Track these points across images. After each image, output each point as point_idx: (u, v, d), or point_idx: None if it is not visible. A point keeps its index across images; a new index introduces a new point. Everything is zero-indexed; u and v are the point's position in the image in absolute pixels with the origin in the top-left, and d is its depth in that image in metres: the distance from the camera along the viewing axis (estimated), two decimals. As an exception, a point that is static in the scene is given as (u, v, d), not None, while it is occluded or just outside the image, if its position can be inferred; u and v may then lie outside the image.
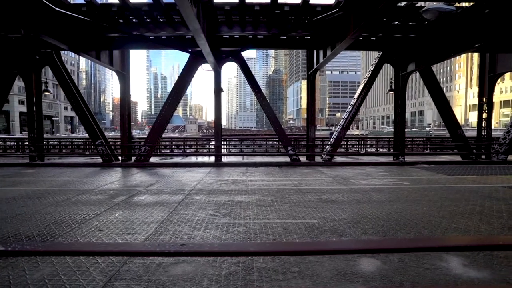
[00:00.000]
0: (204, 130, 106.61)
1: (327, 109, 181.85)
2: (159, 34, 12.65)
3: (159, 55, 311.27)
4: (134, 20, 12.00)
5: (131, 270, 3.71)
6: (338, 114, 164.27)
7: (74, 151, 20.47)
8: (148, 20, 12.01)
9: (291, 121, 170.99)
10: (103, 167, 14.40)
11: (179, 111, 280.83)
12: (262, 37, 13.28)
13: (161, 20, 11.98)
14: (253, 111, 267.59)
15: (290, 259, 3.94)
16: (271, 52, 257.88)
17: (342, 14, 9.58)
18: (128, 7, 11.00)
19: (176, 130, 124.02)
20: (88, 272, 3.66)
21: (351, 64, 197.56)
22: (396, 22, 12.27)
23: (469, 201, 7.16)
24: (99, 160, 15.67)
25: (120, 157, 15.56)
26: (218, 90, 14.97)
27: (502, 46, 13.69)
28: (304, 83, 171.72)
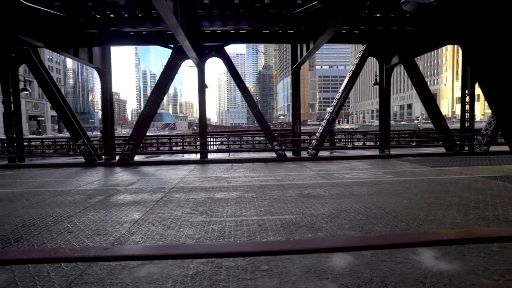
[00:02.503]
0: (195, 127, 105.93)
1: (317, 104, 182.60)
2: (139, 30, 12.36)
3: (147, 52, 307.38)
4: (111, 15, 11.68)
5: (94, 274, 3.56)
6: (328, 109, 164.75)
7: (57, 151, 20.03)
8: (126, 16, 11.69)
9: (281, 117, 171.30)
10: (86, 167, 14.10)
11: (169, 108, 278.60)
12: (244, 31, 13.09)
13: (139, 15, 11.68)
14: (243, 108, 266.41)
15: (261, 257, 3.84)
16: (261, 47, 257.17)
17: (322, 6, 9.46)
18: (104, 1, 10.68)
19: (166, 128, 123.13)
20: (48, 277, 3.50)
21: (340, 59, 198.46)
22: (378, 15, 12.23)
23: (449, 193, 7.18)
24: (82, 160, 15.34)
25: (103, 156, 15.25)
26: (202, 87, 14.75)
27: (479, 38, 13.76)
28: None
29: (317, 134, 15.76)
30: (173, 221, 5.51)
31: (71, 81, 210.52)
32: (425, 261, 3.64)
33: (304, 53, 12.96)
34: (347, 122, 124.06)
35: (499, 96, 1.24)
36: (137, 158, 15.84)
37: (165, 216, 5.87)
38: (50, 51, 76.72)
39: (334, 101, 15.59)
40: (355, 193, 7.45)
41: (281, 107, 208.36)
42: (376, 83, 16.10)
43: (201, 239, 4.61)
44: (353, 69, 15.29)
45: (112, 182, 10.04)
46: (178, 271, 3.60)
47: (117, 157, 15.00)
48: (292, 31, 13.47)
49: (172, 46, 13.50)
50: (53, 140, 22.55)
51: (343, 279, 3.27)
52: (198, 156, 15.56)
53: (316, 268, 3.52)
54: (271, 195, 7.44)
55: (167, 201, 7.07)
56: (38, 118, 69.77)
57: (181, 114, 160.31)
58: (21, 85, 15.34)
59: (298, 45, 13.99)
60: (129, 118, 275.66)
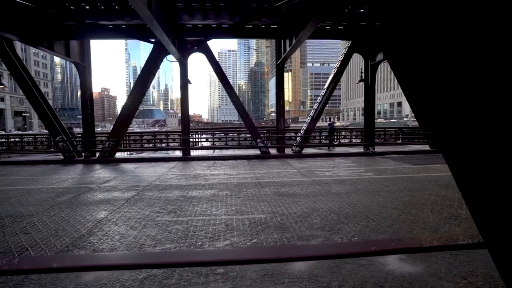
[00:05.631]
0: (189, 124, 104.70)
1: (308, 101, 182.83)
2: (117, 23, 11.96)
3: (138, 47, 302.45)
4: (87, 7, 11.26)
5: (37, 279, 3.33)
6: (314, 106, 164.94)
7: (37, 148, 19.47)
8: (102, 8, 11.29)
9: (272, 114, 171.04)
10: (64, 164, 13.70)
11: (160, 105, 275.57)
12: (227, 26, 12.82)
13: (116, 8, 11.29)
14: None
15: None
16: (253, 44, 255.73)
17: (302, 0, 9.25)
18: (78, -8, 10.28)
19: (157, 124, 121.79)
20: (-14, 283, 3.25)
21: (332, 56, 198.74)
22: (362, 10, 12.08)
23: (426, 191, 7.10)
24: (61, 157, 14.90)
25: (83, 153, 14.85)
26: (184, 83, 14.44)
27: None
28: (285, 76, 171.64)
29: (301, 131, 15.61)
30: (138, 221, 5.28)
31: (59, 77, 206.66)
32: (389, 264, 3.50)
33: (287, 48, 12.76)
34: (338, 120, 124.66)
35: (419, 95, 1.06)
36: (119, 155, 15.50)
37: (132, 215, 5.64)
38: (36, 46, 74.65)
39: (319, 98, 15.45)
40: (332, 191, 7.31)
41: (272, 104, 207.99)
42: (361, 80, 16.01)
43: (162, 240, 4.39)
44: (338, 66, 15.17)
45: (86, 180, 9.71)
46: (128, 274, 3.39)
47: (97, 154, 14.62)
48: (276, 26, 13.25)
49: (153, 40, 13.16)
50: (33, 136, 21.93)
51: (300, 284, 3.10)
52: (181, 153, 15.26)
53: (274, 272, 3.34)
54: (246, 193, 7.25)
55: (138, 200, 6.82)
56: (23, 114, 68.20)
57: (171, 111, 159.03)
58: (-3, 79, 14.78)
59: (282, 40, 13.80)
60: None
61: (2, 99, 63.36)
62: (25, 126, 69.27)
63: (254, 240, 4.33)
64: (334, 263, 3.51)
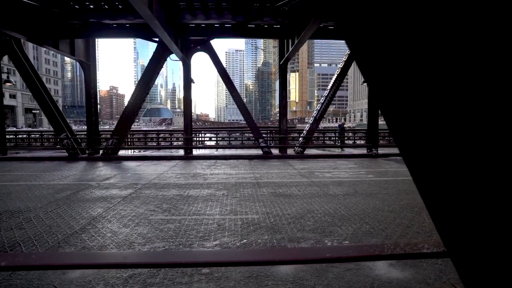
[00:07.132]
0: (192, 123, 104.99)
1: (315, 102, 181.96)
2: (120, 22, 12.06)
3: (146, 46, 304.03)
4: (91, 6, 11.36)
5: (24, 274, 3.35)
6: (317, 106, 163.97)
7: (43, 144, 19.74)
8: (106, 7, 11.39)
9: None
10: (68, 161, 13.86)
11: (168, 104, 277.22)
12: (229, 25, 12.82)
13: (120, 7, 11.37)
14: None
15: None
16: (260, 44, 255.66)
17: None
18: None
19: (163, 123, 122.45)
20: (-28, 279, 3.28)
21: (339, 56, 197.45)
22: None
23: (425, 194, 6.97)
24: (65, 154, 15.08)
25: (87, 151, 15.00)
26: (188, 82, 14.48)
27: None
28: (292, 76, 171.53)
29: (304, 131, 15.53)
30: (131, 219, 5.30)
31: (69, 75, 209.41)
32: (378, 268, 3.44)
33: (290, 48, 12.69)
34: (344, 120, 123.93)
35: (387, 96, 1.01)
36: (122, 152, 15.61)
37: (126, 213, 5.66)
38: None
39: (322, 98, 15.35)
40: (329, 193, 7.24)
41: (279, 104, 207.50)
42: (365, 81, 15.84)
43: (153, 238, 4.40)
44: (341, 67, 15.04)
45: (87, 177, 9.80)
46: (114, 272, 3.40)
47: (101, 152, 14.75)
48: (278, 26, 13.21)
49: (156, 39, 13.21)
50: (40, 133, 22.25)
51: (283, 287, 3.07)
52: (183, 152, 15.32)
53: (259, 274, 3.31)
54: (243, 193, 7.23)
55: (135, 198, 6.85)
56: (33, 111, 69.23)
57: (178, 110, 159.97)
58: (4, 77, 15.02)
59: (285, 40, 13.73)
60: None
61: (14, 96, 64.49)
62: (35, 123, 70.36)
63: (244, 240, 4.30)
64: (322, 267, 3.46)
